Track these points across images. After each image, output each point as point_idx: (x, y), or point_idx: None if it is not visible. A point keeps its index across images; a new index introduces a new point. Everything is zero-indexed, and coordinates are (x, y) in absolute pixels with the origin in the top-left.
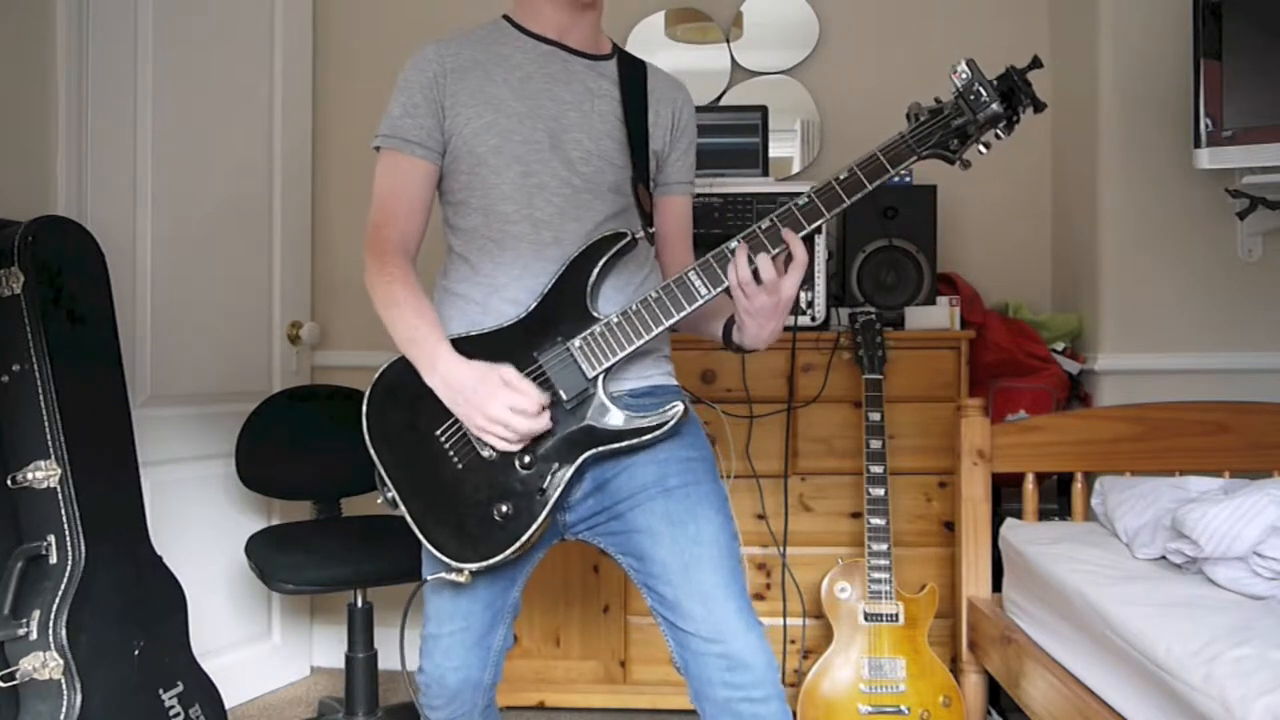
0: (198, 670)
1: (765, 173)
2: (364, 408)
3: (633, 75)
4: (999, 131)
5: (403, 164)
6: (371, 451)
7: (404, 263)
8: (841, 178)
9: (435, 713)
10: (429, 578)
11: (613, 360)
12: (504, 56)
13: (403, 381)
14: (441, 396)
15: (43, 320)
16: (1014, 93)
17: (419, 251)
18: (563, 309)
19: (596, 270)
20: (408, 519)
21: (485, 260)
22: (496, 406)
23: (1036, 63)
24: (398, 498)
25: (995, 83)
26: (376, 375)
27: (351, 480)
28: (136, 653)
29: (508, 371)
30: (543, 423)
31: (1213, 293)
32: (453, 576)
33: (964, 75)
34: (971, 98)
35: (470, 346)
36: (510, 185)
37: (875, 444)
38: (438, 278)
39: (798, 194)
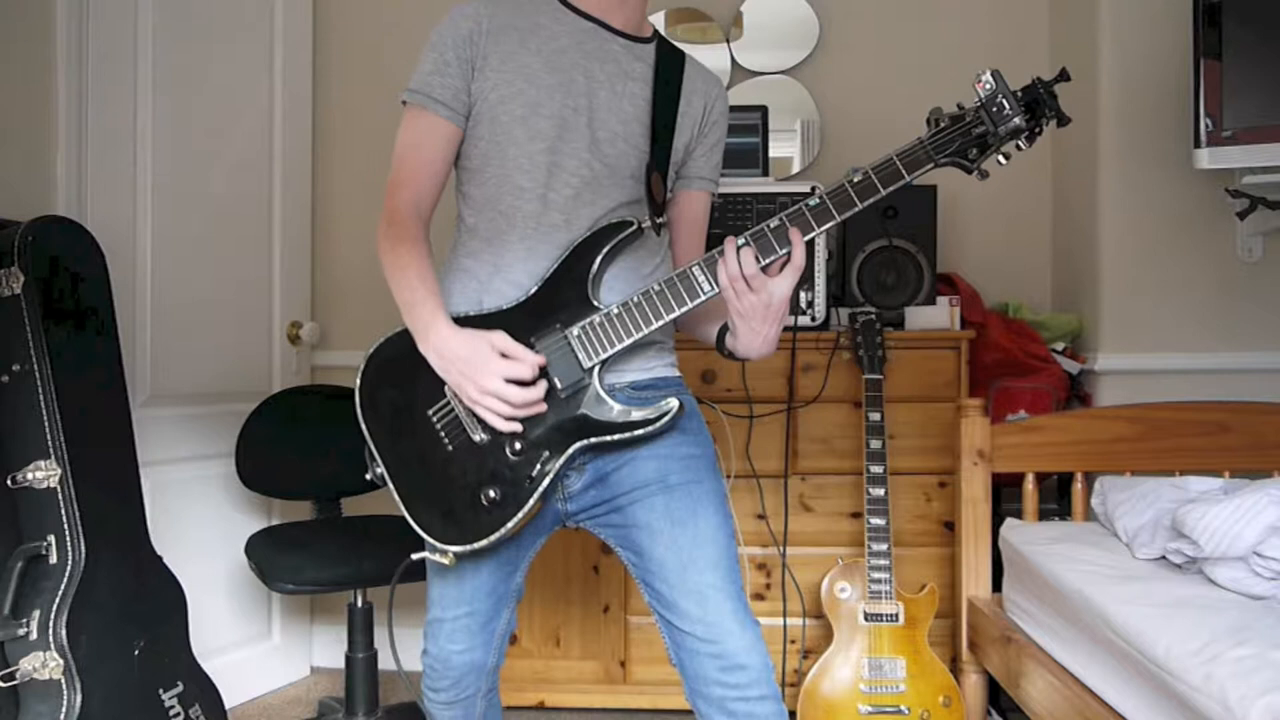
0: (198, 670)
1: (765, 173)
2: (357, 380)
3: (669, 63)
4: (1020, 143)
5: (427, 122)
6: (362, 425)
7: (414, 226)
8: (855, 180)
9: (439, 695)
10: (414, 556)
11: (610, 352)
12: (542, 26)
13: (398, 356)
14: (435, 366)
15: (43, 320)
16: (1038, 104)
17: (432, 214)
18: (563, 295)
19: (600, 258)
20: (395, 496)
21: (493, 236)
22: (490, 379)
23: (1064, 75)
24: (386, 474)
25: (1020, 94)
26: (372, 349)
27: (351, 480)
28: (136, 653)
29: (500, 338)
30: (537, 393)
31: (1213, 293)
32: (437, 558)
33: (988, 86)
34: (994, 109)
35: (469, 326)
36: (529, 160)
37: (875, 444)
38: (447, 250)
39: (798, 194)
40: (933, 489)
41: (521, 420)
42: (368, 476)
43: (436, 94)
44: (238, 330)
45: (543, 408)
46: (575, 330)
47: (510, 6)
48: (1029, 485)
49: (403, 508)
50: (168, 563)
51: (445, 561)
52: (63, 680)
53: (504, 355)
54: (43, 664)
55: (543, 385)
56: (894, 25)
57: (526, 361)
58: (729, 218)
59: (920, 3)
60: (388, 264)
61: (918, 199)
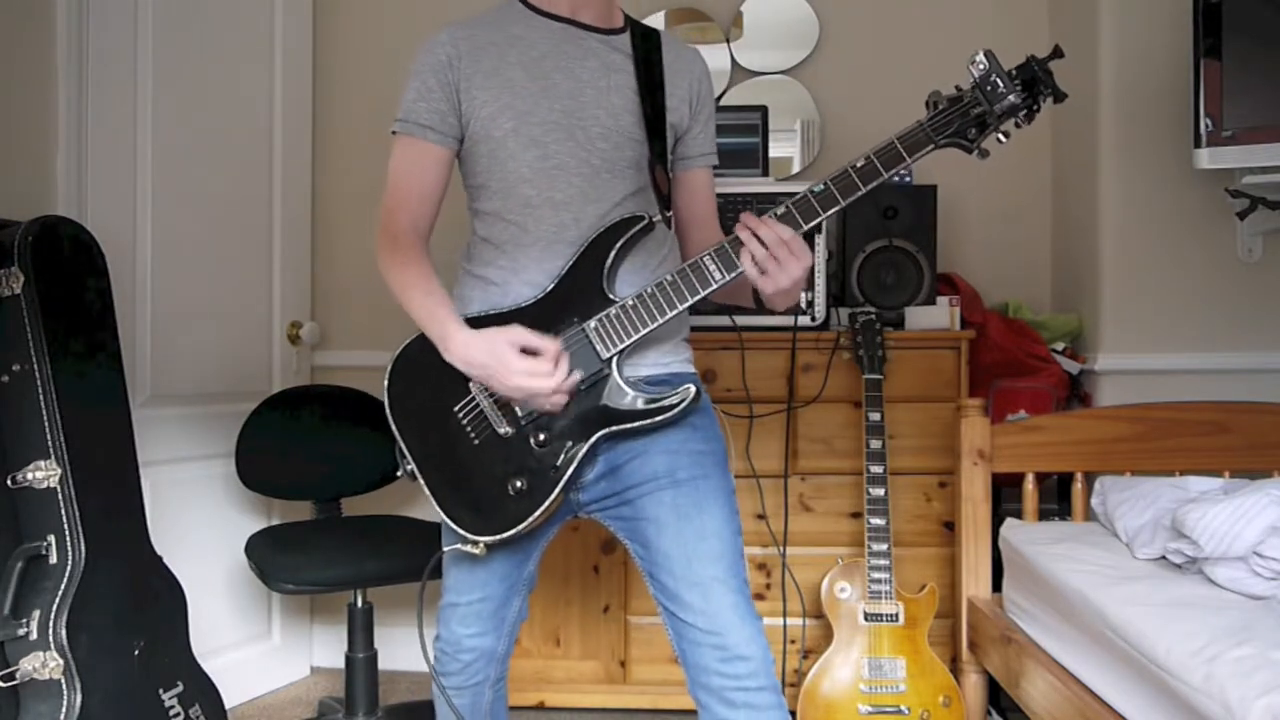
0: (198, 670)
1: (765, 173)
2: (385, 381)
3: (647, 48)
4: (1019, 120)
5: (417, 149)
6: (392, 424)
7: (417, 245)
8: (858, 165)
9: (448, 680)
10: (446, 549)
11: (628, 342)
12: (518, 36)
13: (422, 357)
14: (466, 372)
15: (43, 320)
16: (1035, 82)
17: (431, 235)
18: (579, 291)
19: (614, 253)
20: (426, 491)
21: (507, 243)
22: (514, 377)
23: (1058, 52)
24: (417, 470)
25: (1014, 73)
26: (399, 350)
27: (351, 480)
28: (136, 653)
29: (516, 332)
30: (562, 372)
31: (1213, 293)
32: (468, 549)
33: (981, 66)
34: (989, 89)
35: (488, 324)
36: (529, 168)
37: (875, 444)
38: (459, 259)
39: (798, 194)
40: (933, 489)
41: (544, 413)
42: (399, 474)
43: (423, 120)
44: (238, 330)
45: (578, 376)
46: (592, 323)
47: (484, 25)
48: (1029, 485)
49: (433, 501)
50: (168, 563)
51: (477, 552)
52: (63, 680)
53: (524, 349)
54: (43, 664)
55: (565, 363)
56: (894, 25)
57: (546, 351)
58: (729, 218)
59: (920, 3)
60: (395, 284)
61: (918, 199)
